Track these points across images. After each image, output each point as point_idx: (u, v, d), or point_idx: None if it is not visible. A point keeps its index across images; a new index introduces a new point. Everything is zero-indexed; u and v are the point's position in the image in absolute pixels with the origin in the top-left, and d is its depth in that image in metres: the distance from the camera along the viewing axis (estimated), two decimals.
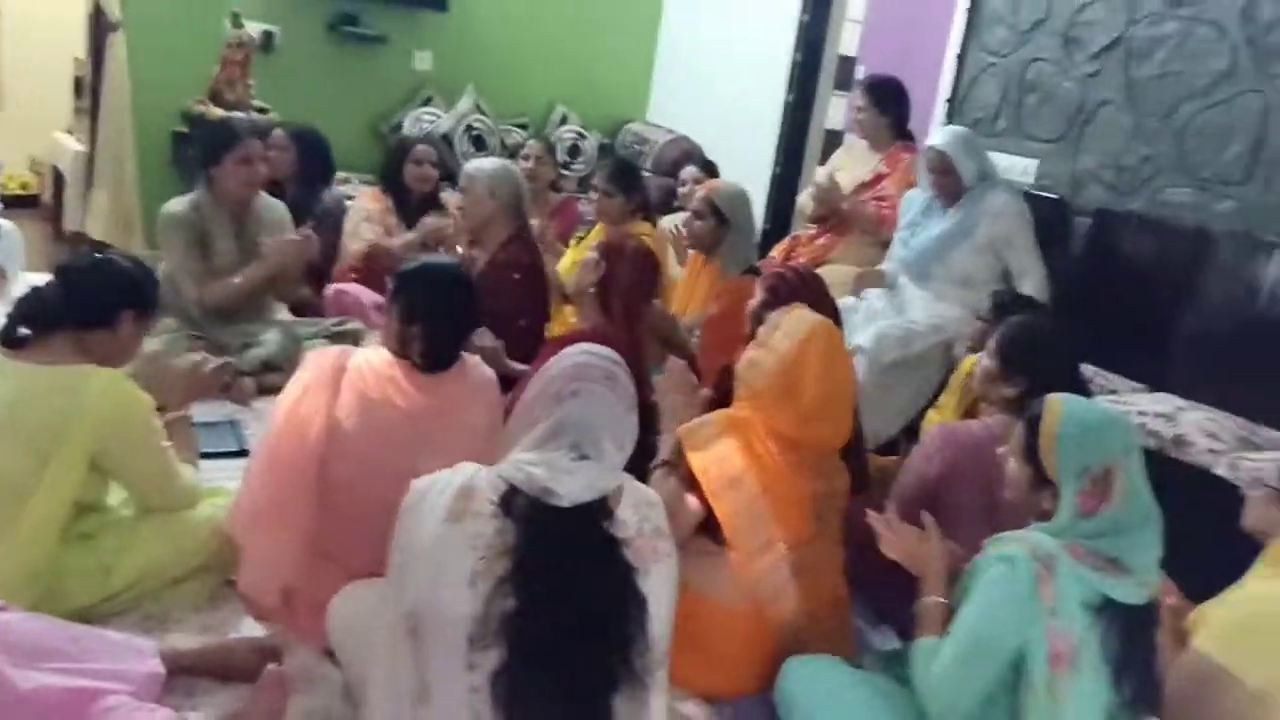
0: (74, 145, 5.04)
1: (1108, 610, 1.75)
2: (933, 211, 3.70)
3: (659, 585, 1.61)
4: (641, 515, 1.63)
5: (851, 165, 4.24)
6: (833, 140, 5.55)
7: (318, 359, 2.28)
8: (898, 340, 3.51)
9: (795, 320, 2.34)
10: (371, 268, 3.96)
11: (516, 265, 3.53)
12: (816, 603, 2.22)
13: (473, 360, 2.39)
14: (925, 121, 4.69)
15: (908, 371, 3.54)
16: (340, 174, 4.59)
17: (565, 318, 3.75)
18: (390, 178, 4.22)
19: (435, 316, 2.25)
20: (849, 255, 4.03)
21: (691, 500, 2.18)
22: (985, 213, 3.56)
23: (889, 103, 4.12)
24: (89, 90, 4.83)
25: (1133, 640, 1.77)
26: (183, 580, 2.23)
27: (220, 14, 4.81)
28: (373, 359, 2.27)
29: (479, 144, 5.58)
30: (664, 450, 2.46)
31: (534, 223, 3.94)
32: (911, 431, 3.45)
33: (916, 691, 1.86)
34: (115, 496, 2.25)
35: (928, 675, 1.83)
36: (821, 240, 4.10)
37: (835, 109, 5.69)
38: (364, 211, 4.13)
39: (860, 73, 6.04)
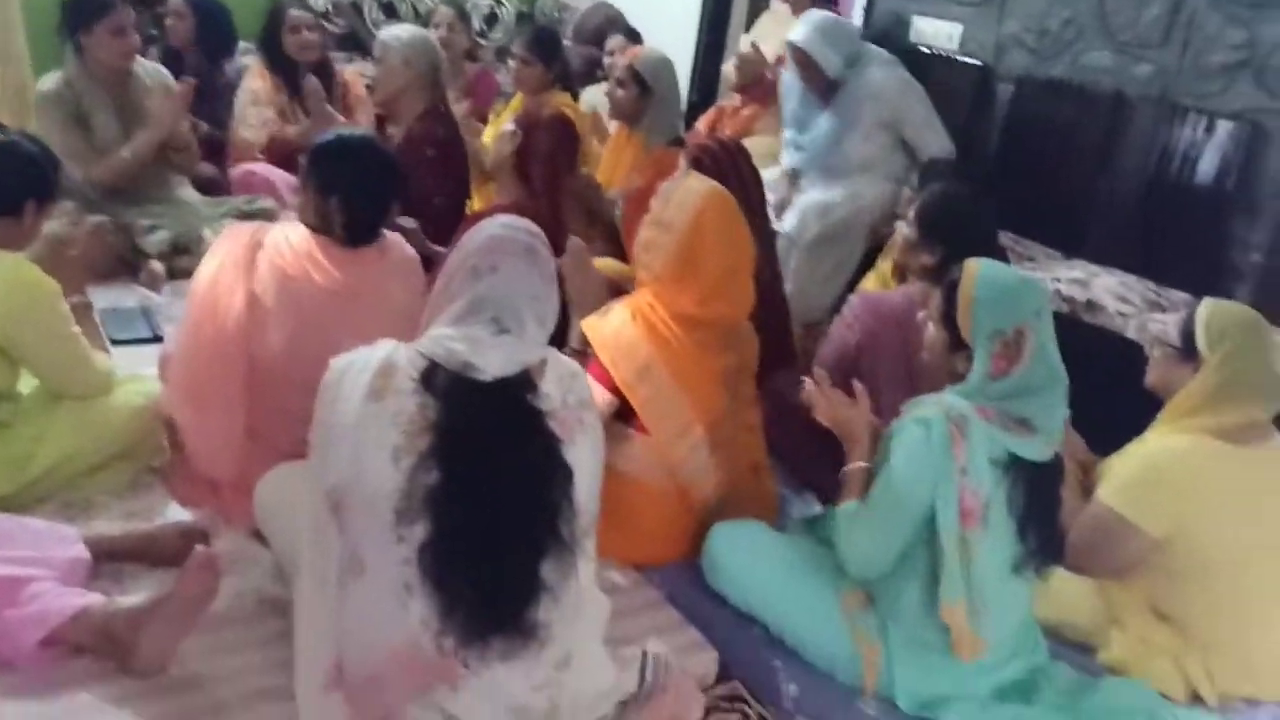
0: None
1: (1014, 467, 1.82)
2: (814, 104, 3.67)
3: (584, 455, 1.63)
4: (565, 388, 1.64)
5: (775, 32, 4.16)
6: (759, 6, 5.42)
7: (233, 234, 2.22)
8: (817, 213, 3.53)
9: (686, 192, 2.26)
10: (277, 157, 3.80)
11: (432, 140, 3.42)
12: (736, 473, 2.27)
13: (394, 238, 2.34)
14: None
15: (830, 245, 3.57)
16: (243, 44, 4.34)
17: (487, 194, 3.67)
18: (271, 50, 3.90)
19: (354, 187, 2.18)
20: (774, 126, 4.00)
21: (602, 392, 2.16)
22: (865, 98, 3.55)
23: None
24: None
25: (1037, 495, 1.84)
26: (103, 468, 2.20)
27: None
28: (290, 235, 2.21)
29: (390, 11, 5.34)
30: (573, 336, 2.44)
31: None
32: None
33: (837, 551, 1.93)
34: (27, 385, 2.18)
35: (848, 534, 1.90)
36: (746, 111, 4.05)
37: None
38: (250, 93, 3.86)
39: None
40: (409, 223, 3.03)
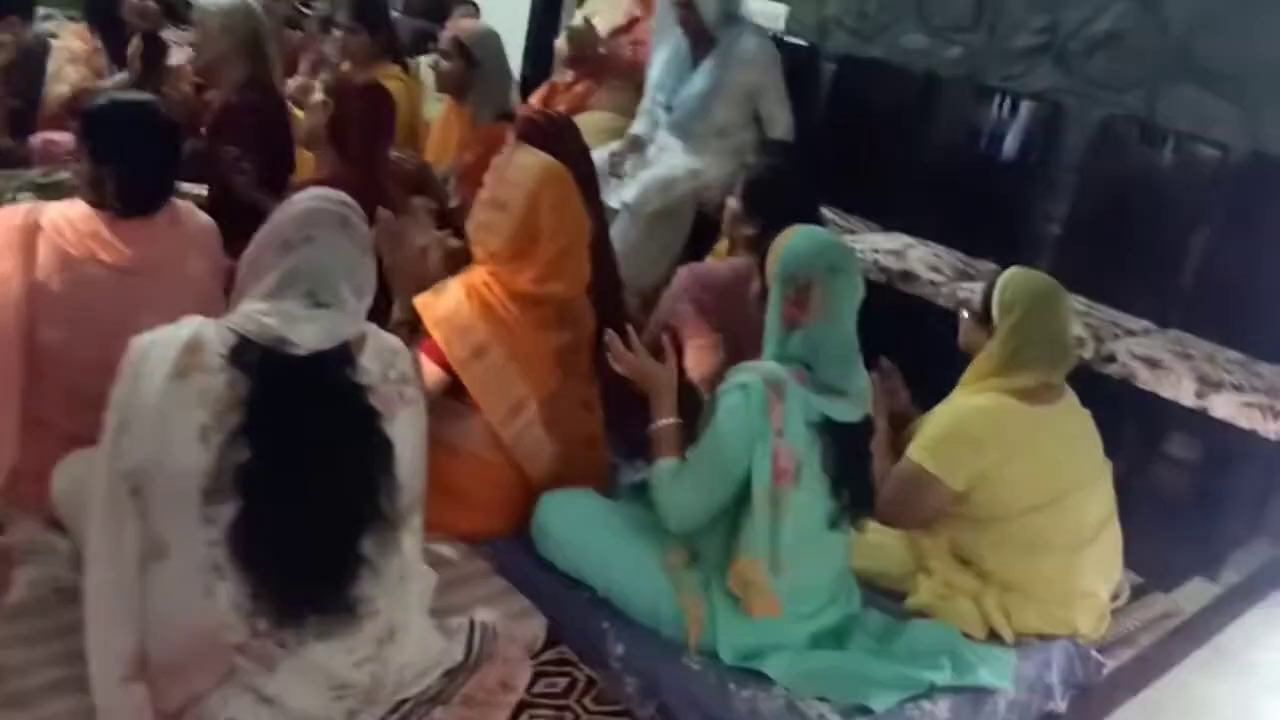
0: None
1: (828, 428, 1.90)
2: (686, 66, 3.71)
3: (406, 429, 1.61)
4: (386, 362, 1.62)
5: (608, 9, 4.17)
6: None
7: (4, 218, 2.04)
8: (659, 188, 3.57)
9: (520, 170, 2.25)
10: (77, 111, 3.57)
11: (253, 109, 3.28)
12: (571, 447, 2.29)
13: (186, 207, 2.21)
14: None
15: (668, 219, 3.62)
16: (42, 10, 4.06)
17: (307, 167, 3.54)
18: (100, 12, 3.76)
19: (129, 152, 2.04)
20: (607, 102, 4.02)
21: (433, 368, 2.14)
22: (738, 61, 3.61)
23: None
24: None
25: (849, 454, 1.94)
26: None
27: None
28: (69, 213, 2.05)
29: None
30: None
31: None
32: None
33: (657, 507, 1.98)
34: None
35: (669, 491, 1.95)
36: (579, 87, 4.04)
37: None
38: (68, 51, 3.68)
39: None
40: (240, 159, 2.91)
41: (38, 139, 3.56)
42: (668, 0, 3.67)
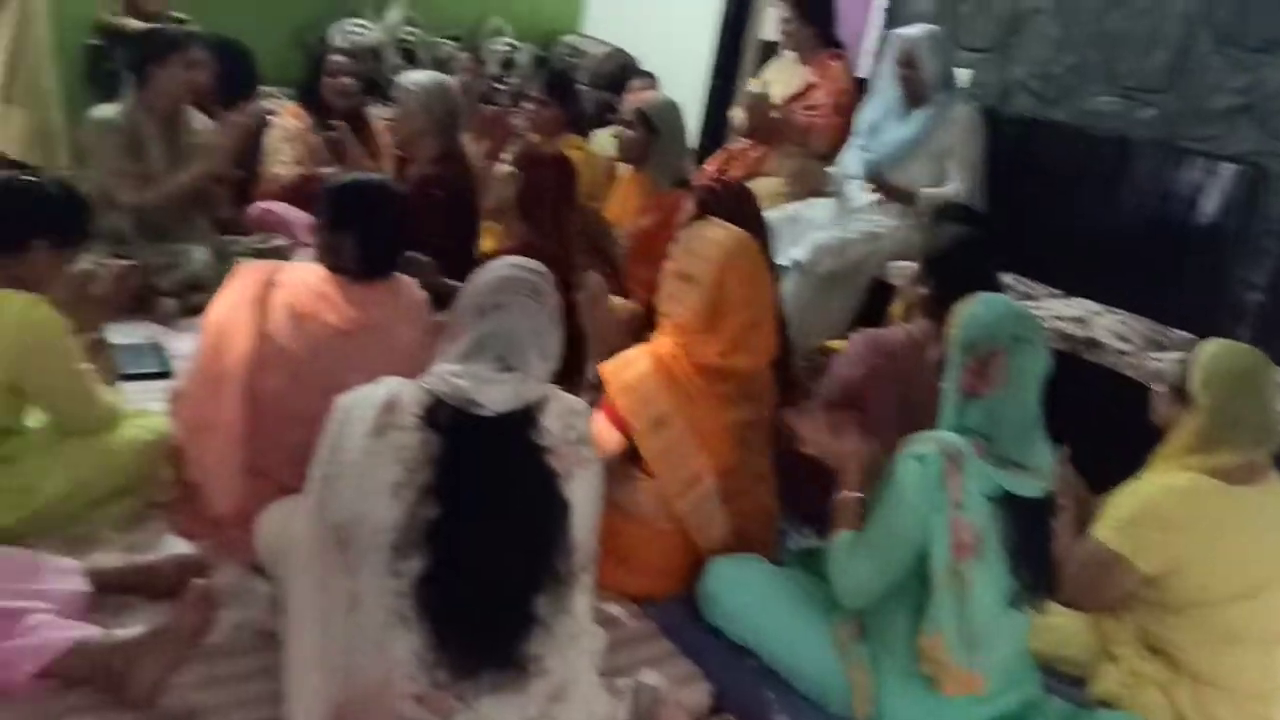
0: None
1: (1007, 502, 1.83)
2: (892, 116, 3.72)
3: (582, 491, 1.65)
4: (566, 424, 1.67)
5: (783, 78, 4.22)
6: (769, 52, 5.49)
7: (247, 272, 2.28)
8: (834, 250, 3.56)
9: (708, 243, 2.26)
10: (299, 190, 3.88)
11: (444, 182, 3.48)
12: (743, 520, 2.28)
13: (405, 280, 2.39)
14: (862, 30, 4.67)
15: (839, 281, 3.60)
16: (263, 89, 4.44)
17: (495, 237, 3.72)
18: (310, 92, 4.07)
19: (365, 222, 2.25)
20: (782, 168, 4.04)
21: (612, 433, 2.18)
22: (947, 120, 3.61)
23: (813, 12, 4.12)
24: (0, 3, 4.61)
25: (1030, 530, 1.85)
26: (106, 502, 2.22)
27: None
28: (305, 273, 2.27)
29: (409, 57, 5.44)
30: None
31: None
32: None
33: (830, 581, 1.94)
34: (35, 420, 2.21)
35: (843, 564, 1.91)
36: (753, 153, 4.09)
37: (772, 20, 5.61)
38: (283, 130, 4.00)
39: None
40: (422, 258, 3.08)
41: (256, 208, 3.87)
42: (890, 57, 3.72)
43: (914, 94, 3.69)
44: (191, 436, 2.23)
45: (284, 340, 2.19)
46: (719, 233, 2.29)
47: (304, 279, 2.26)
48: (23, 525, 2.07)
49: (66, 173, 3.45)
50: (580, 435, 1.69)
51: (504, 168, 2.98)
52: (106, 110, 3.43)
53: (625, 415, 2.19)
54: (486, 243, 3.67)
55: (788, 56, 4.31)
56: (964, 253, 2.52)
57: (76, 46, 4.69)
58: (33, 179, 2.23)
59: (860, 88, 4.12)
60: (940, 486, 1.80)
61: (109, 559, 2.06)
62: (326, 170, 3.88)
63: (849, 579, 1.91)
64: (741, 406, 2.27)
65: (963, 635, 1.79)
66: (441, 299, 2.61)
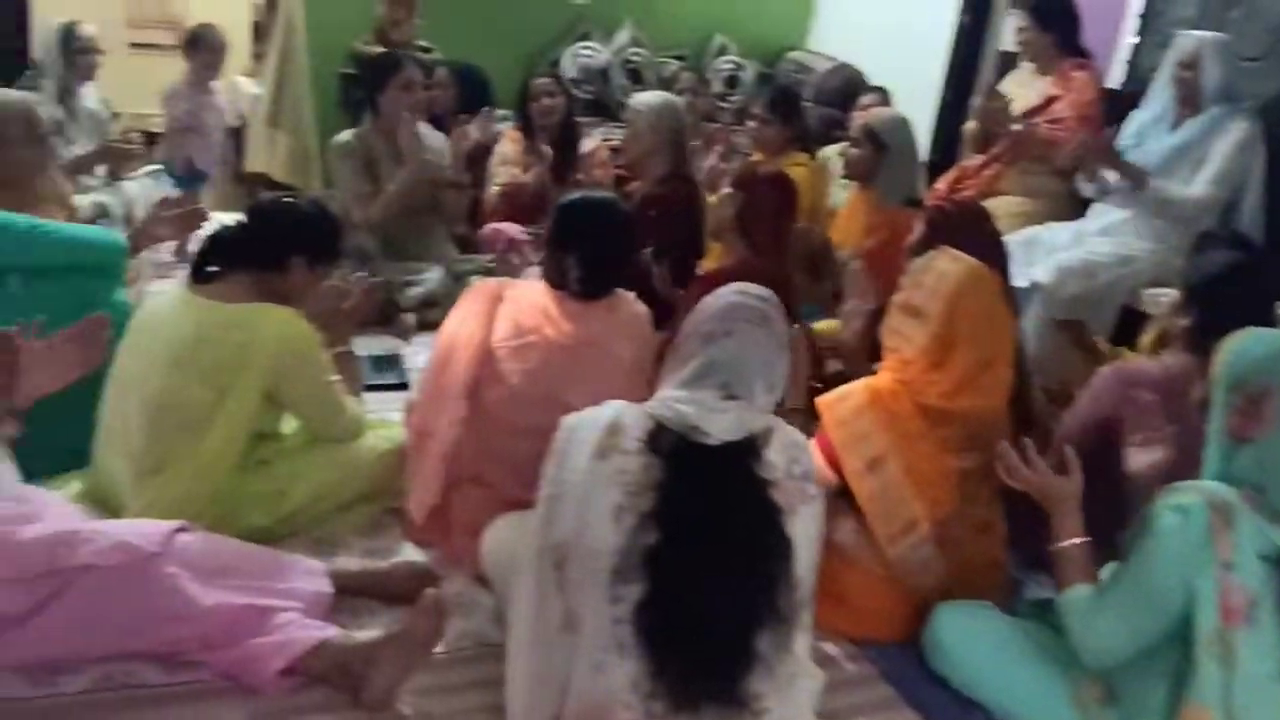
0: (253, 89, 5.27)
1: None
2: (1162, 124, 3.49)
3: (805, 527, 1.60)
4: (790, 457, 1.62)
5: (1022, 91, 3.98)
6: (1008, 63, 5.23)
7: (478, 289, 2.37)
8: (1079, 272, 3.33)
9: (939, 276, 2.14)
10: (515, 205, 4.01)
11: (670, 201, 3.50)
12: (965, 569, 2.14)
13: (626, 295, 2.40)
14: (1114, 39, 4.36)
15: (1086, 307, 3.35)
16: (499, 111, 4.63)
17: (715, 255, 3.70)
18: (523, 114, 4.20)
19: (590, 242, 2.29)
20: (1018, 186, 3.81)
21: (823, 467, 2.10)
22: (1219, 132, 3.35)
23: (1052, 19, 3.84)
24: (267, 35, 5.03)
25: None
26: (348, 506, 2.35)
27: None
28: (530, 290, 2.34)
29: (635, 78, 5.53)
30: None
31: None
32: None
33: (1070, 637, 1.79)
34: (288, 426, 2.37)
35: (1086, 624, 1.75)
36: (989, 171, 3.88)
37: (1012, 30, 5.34)
38: (501, 155, 4.14)
39: None
40: (656, 266, 3.11)
41: (486, 228, 4.04)
42: (1170, 59, 3.51)
43: (1188, 100, 3.42)
44: (416, 444, 2.33)
45: (507, 355, 2.25)
46: (951, 264, 2.16)
47: (529, 295, 2.32)
48: (276, 526, 2.23)
49: (320, 193, 3.71)
50: (804, 470, 1.64)
51: (725, 189, 2.95)
52: (345, 135, 3.69)
53: (839, 451, 2.10)
54: (708, 261, 3.67)
55: (1027, 68, 4.07)
56: (1234, 281, 2.29)
57: (331, 74, 5.04)
58: (293, 200, 2.39)
59: (1109, 99, 3.83)
60: (1206, 543, 1.63)
61: (349, 562, 2.18)
62: (530, 174, 4.00)
63: (1094, 639, 1.75)
64: (967, 454, 2.12)
65: (1225, 712, 1.60)
66: (669, 309, 2.63)
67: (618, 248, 2.37)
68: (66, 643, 1.70)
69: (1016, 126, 3.76)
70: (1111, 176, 3.51)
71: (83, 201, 3.39)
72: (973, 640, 1.95)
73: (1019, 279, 3.19)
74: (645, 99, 3.65)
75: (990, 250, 2.65)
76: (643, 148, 3.58)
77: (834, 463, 2.12)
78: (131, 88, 5.09)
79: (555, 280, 2.33)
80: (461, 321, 2.31)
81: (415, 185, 3.69)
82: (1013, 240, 3.33)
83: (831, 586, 1.96)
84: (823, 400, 2.18)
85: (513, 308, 2.30)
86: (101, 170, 3.91)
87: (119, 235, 2.64)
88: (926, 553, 2.09)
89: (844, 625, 2.11)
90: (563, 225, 2.33)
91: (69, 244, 2.44)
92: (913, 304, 2.16)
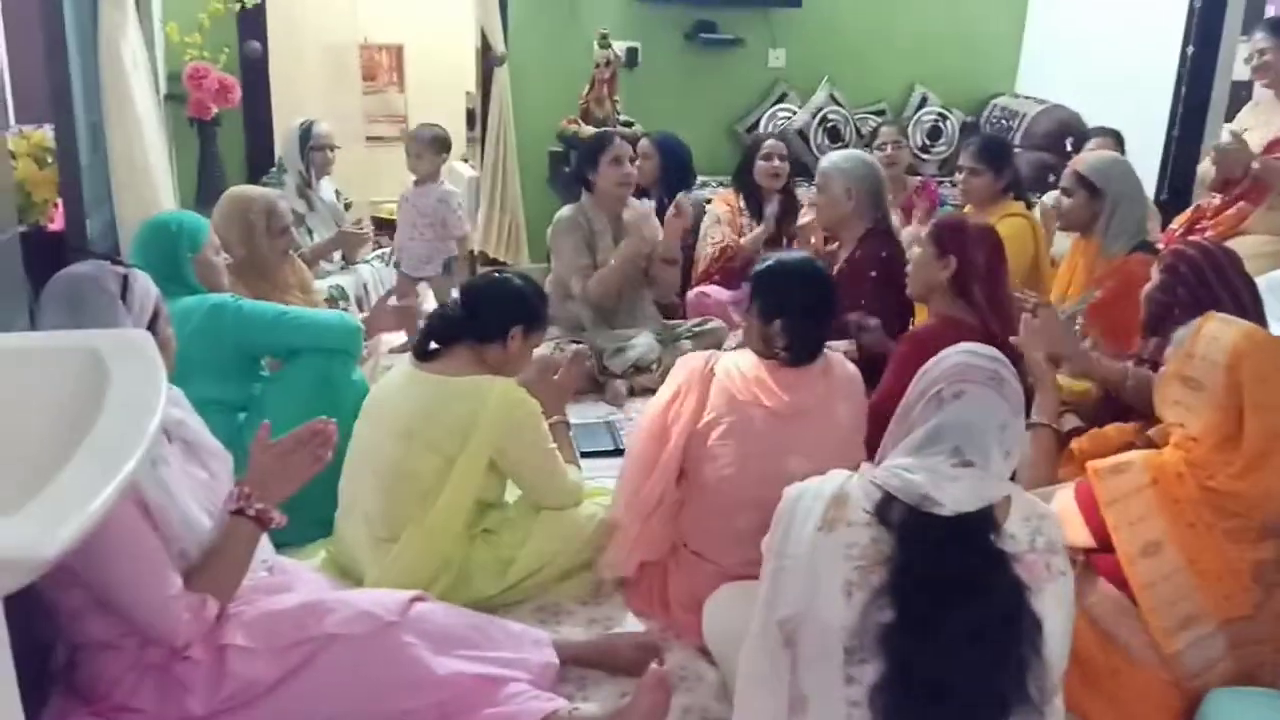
0: (469, 171, 5.58)
1: None
2: None
3: (1053, 605, 1.49)
4: (1033, 528, 1.52)
5: (1260, 123, 3.67)
6: (1240, 94, 4.87)
7: (687, 363, 2.35)
8: None
9: (1209, 341, 1.94)
10: (726, 268, 4.03)
11: (875, 261, 3.42)
12: (1258, 668, 1.90)
13: (836, 358, 2.36)
14: None
15: None
16: (699, 178, 4.70)
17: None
18: (742, 176, 4.24)
19: (795, 310, 2.24)
20: (1267, 223, 3.50)
21: (1083, 527, 1.94)
22: None
23: None
24: (480, 121, 5.32)
25: None
26: (571, 574, 2.38)
27: (589, 37, 5.11)
28: (740, 361, 2.30)
29: (834, 135, 5.49)
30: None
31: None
32: None
33: None
34: (512, 496, 2.43)
35: None
36: (1232, 210, 3.59)
37: (1244, 58, 4.98)
38: (714, 215, 4.20)
39: (1272, 11, 5.25)
40: (871, 321, 3.04)
41: (692, 293, 4.08)
42: None
43: None
44: (627, 517, 2.32)
45: (723, 427, 2.22)
46: (1220, 328, 1.96)
47: (739, 366, 2.29)
48: (501, 595, 2.28)
49: (528, 267, 3.86)
50: (1049, 541, 1.52)
51: (927, 249, 2.79)
52: (566, 211, 3.82)
53: (1111, 531, 1.91)
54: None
55: (1265, 99, 3.76)
56: None
57: (538, 153, 5.26)
58: (507, 276, 2.48)
59: None
60: None
61: (574, 633, 2.19)
62: (748, 238, 4.02)
63: None
64: (1260, 546, 1.88)
65: None
66: (881, 362, 2.59)
67: (822, 311, 2.32)
68: (312, 710, 1.76)
69: (1255, 165, 3.46)
70: None
71: (320, 286, 3.66)
72: None
73: (1275, 326, 2.91)
74: (836, 161, 3.57)
75: (1239, 292, 2.44)
76: (842, 207, 3.51)
77: (1095, 525, 1.95)
78: (363, 178, 5.50)
79: (761, 350, 2.30)
80: (675, 394, 2.30)
81: (634, 260, 3.78)
82: (1263, 283, 3.05)
83: (1091, 671, 1.79)
84: (1096, 466, 2.00)
85: (725, 379, 2.27)
86: (337, 256, 4.21)
87: (354, 319, 2.82)
88: (1213, 653, 1.87)
89: (1104, 712, 1.92)
90: (764, 293, 2.30)
91: (310, 328, 2.62)
92: (1187, 375, 1.96)
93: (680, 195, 3.96)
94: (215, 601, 1.70)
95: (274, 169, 4.35)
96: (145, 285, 1.79)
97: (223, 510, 1.77)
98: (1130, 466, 1.95)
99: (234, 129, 4.90)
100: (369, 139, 6.43)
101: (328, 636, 1.75)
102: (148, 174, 3.32)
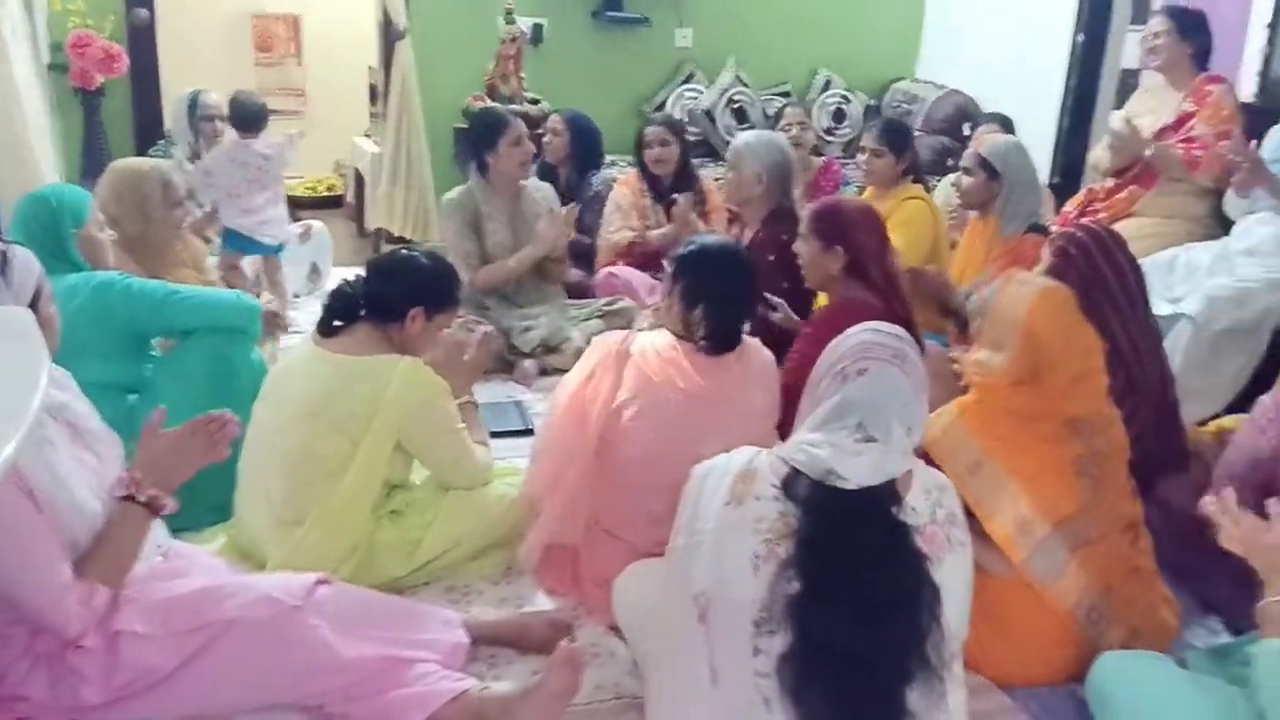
0: (371, 148, 5.46)
1: None
2: None
3: (953, 575, 1.54)
4: (934, 501, 1.56)
5: (1151, 109, 3.82)
6: (1129, 82, 5.06)
7: (603, 342, 2.34)
8: (1231, 302, 3.15)
9: (1010, 301, 2.09)
10: (635, 255, 4.02)
11: (776, 243, 3.45)
12: (1110, 576, 2.04)
13: (753, 344, 2.36)
14: (1237, 52, 4.17)
15: (1240, 338, 3.17)
16: (608, 157, 4.68)
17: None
18: (639, 161, 4.20)
19: (718, 299, 2.24)
20: (1155, 207, 3.64)
21: None
22: None
23: (1192, 28, 3.65)
24: (383, 96, 5.21)
25: None
26: (481, 554, 2.36)
27: (494, 13, 5.04)
28: (657, 342, 2.29)
29: (740, 116, 5.54)
30: None
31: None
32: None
33: (1258, 697, 1.65)
34: (419, 476, 2.40)
35: None
36: (1123, 194, 3.72)
37: (1132, 46, 5.17)
38: (614, 202, 4.12)
39: (1159, 3, 5.46)
40: (774, 300, 3.08)
41: (601, 273, 4.06)
42: None
43: None
44: (541, 495, 2.30)
45: (636, 408, 2.22)
46: (1019, 288, 2.11)
47: (656, 347, 2.28)
48: (410, 576, 2.25)
49: (437, 246, 3.78)
50: (950, 514, 1.57)
51: (813, 243, 2.81)
52: (454, 192, 3.73)
53: (940, 464, 2.01)
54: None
55: (1155, 82, 3.90)
56: None
57: (446, 130, 5.18)
58: (411, 254, 2.41)
59: (1245, 113, 3.64)
60: None
61: (484, 612, 2.18)
62: (655, 233, 4.00)
63: None
64: (1070, 443, 2.04)
65: None
66: (789, 338, 2.64)
67: (744, 299, 2.32)
68: (214, 696, 1.72)
69: (1149, 151, 3.60)
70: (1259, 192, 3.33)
71: (214, 263, 3.54)
72: (1142, 694, 1.81)
73: (1160, 305, 3.05)
74: (746, 139, 3.59)
75: (1126, 273, 2.54)
76: (752, 189, 3.54)
77: None
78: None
79: (681, 333, 2.29)
80: (590, 374, 2.28)
81: (531, 261, 3.73)
82: (1151, 264, 3.19)
83: (983, 616, 1.86)
84: None
85: (641, 360, 2.26)
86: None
87: (252, 298, 2.73)
88: (1056, 556, 1.99)
89: (999, 663, 2.01)
90: (686, 278, 2.27)
91: (205, 308, 2.53)
92: (990, 336, 2.10)
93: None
94: (106, 590, 1.64)
95: (162, 141, 4.19)
96: (26, 261, 1.70)
97: (112, 496, 1.71)
98: (942, 411, 2.09)
99: (121, 100, 4.71)
100: None
101: (227, 622, 1.71)
102: (28, 146, 3.16)
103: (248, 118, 3.92)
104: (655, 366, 2.24)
